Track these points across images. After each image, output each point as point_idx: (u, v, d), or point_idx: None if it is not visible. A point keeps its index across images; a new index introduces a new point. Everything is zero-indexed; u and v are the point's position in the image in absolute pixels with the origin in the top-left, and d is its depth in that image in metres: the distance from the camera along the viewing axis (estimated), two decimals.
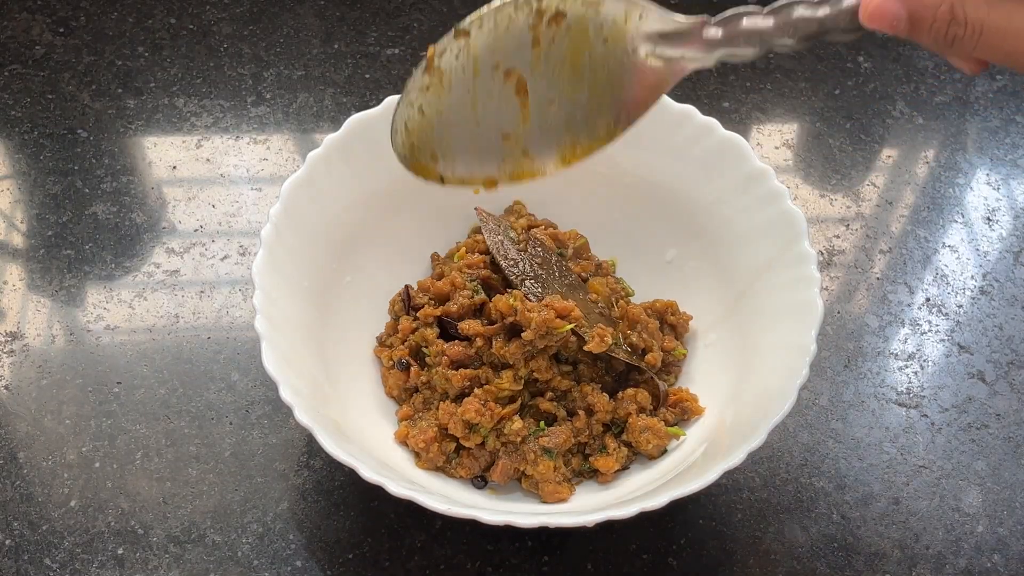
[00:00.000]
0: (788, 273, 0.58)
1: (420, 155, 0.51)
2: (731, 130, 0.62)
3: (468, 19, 0.48)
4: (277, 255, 0.57)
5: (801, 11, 0.43)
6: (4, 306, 0.67)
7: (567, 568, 0.57)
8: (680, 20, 0.46)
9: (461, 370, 0.58)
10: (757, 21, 0.44)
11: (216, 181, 0.74)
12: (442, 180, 0.52)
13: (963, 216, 0.74)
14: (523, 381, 0.58)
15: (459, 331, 0.59)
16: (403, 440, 0.58)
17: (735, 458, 0.50)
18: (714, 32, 0.45)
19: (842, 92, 0.81)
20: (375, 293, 0.64)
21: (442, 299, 0.61)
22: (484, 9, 0.48)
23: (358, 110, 0.62)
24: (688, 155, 0.63)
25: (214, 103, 0.79)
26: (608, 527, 0.57)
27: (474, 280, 0.61)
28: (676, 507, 0.51)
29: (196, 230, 0.72)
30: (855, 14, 0.43)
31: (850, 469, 0.62)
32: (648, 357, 0.60)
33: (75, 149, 0.75)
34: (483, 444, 0.57)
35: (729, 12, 0.45)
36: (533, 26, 0.48)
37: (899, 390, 0.65)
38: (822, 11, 0.43)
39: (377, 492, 0.50)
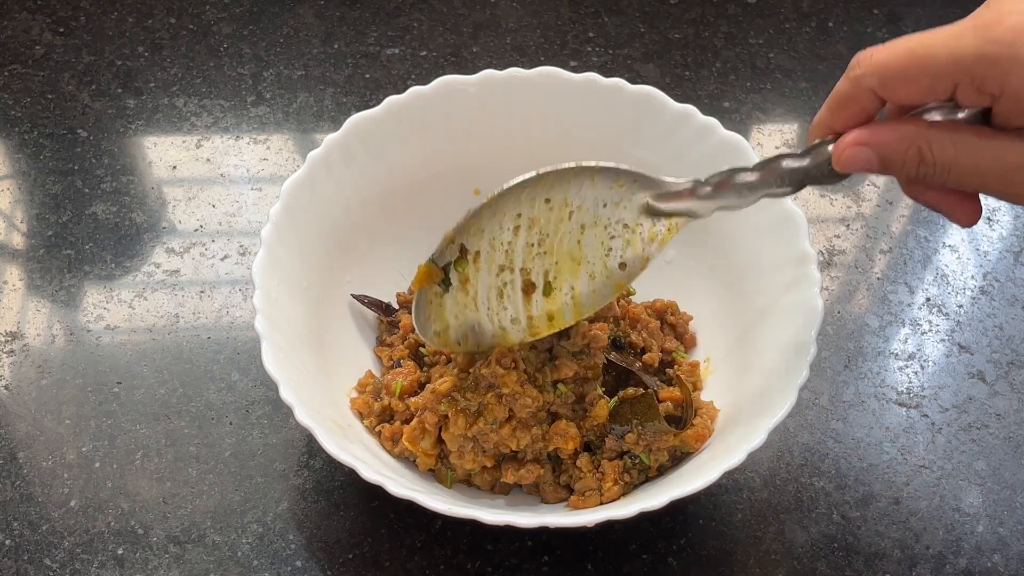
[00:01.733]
0: (788, 273, 0.58)
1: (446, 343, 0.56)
2: (731, 130, 0.62)
3: (468, 234, 0.53)
4: (277, 255, 0.57)
5: (788, 163, 0.47)
6: (4, 306, 0.67)
7: (567, 568, 0.57)
8: (675, 183, 0.51)
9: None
10: (746, 176, 0.49)
11: (216, 181, 0.74)
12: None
13: None
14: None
15: None
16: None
17: (735, 458, 0.50)
18: (706, 190, 0.50)
19: None
20: (375, 293, 0.64)
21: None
22: (483, 220, 0.52)
23: (358, 110, 0.62)
24: (688, 155, 0.63)
25: (214, 103, 0.79)
26: (608, 527, 0.57)
27: None
28: (676, 507, 0.51)
29: (196, 230, 0.72)
30: (830, 160, 0.46)
31: (850, 469, 0.62)
32: (645, 357, 0.60)
33: (75, 149, 0.75)
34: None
35: (720, 172, 0.49)
36: (526, 226, 0.53)
37: (899, 390, 0.65)
38: (805, 161, 0.47)
39: (377, 492, 0.50)
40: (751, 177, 0.49)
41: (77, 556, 0.57)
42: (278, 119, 0.78)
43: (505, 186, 0.51)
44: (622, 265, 0.54)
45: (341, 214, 0.62)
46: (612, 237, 0.53)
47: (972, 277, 0.71)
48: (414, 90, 0.63)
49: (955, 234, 0.73)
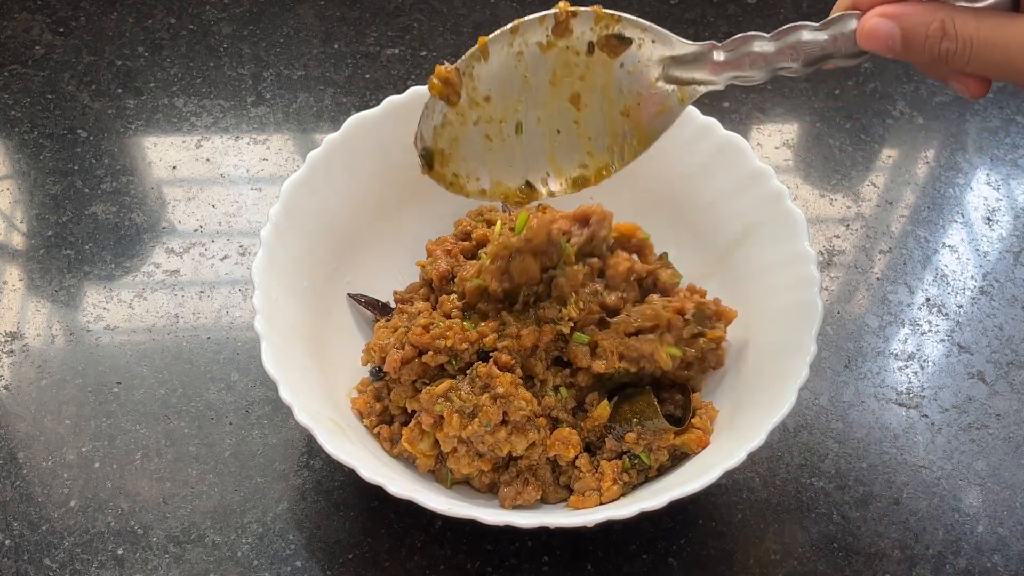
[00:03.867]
0: (788, 273, 0.58)
1: (445, 170, 0.54)
2: (731, 130, 0.62)
3: (494, 38, 0.49)
4: (277, 255, 0.57)
5: (804, 35, 0.46)
6: (4, 306, 0.67)
7: (567, 568, 0.57)
8: (689, 45, 0.49)
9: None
10: (762, 45, 0.47)
11: (216, 181, 0.74)
12: (465, 192, 0.55)
13: (963, 216, 0.74)
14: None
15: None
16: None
17: (735, 458, 0.50)
18: (721, 56, 0.48)
19: (842, 92, 0.81)
20: (375, 293, 0.64)
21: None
22: (506, 28, 0.49)
23: (358, 110, 0.62)
24: (688, 155, 0.63)
25: (214, 103, 0.79)
26: (608, 527, 0.57)
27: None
28: (676, 507, 0.51)
29: (196, 230, 0.72)
30: (853, 37, 0.45)
31: (850, 469, 0.62)
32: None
33: (75, 149, 0.75)
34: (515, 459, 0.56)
35: (736, 37, 0.47)
36: (555, 54, 0.50)
37: (899, 390, 0.65)
38: (824, 35, 0.45)
39: (377, 492, 0.50)
40: (768, 47, 0.47)
41: (77, 556, 0.57)
42: (278, 119, 0.78)
43: (522, 20, 0.49)
44: (634, 126, 0.52)
45: (341, 214, 0.62)
46: (627, 89, 0.51)
47: (972, 277, 0.71)
48: (414, 90, 0.63)
49: (955, 234, 0.73)
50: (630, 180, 0.65)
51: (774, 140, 0.78)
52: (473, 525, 0.50)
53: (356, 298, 0.63)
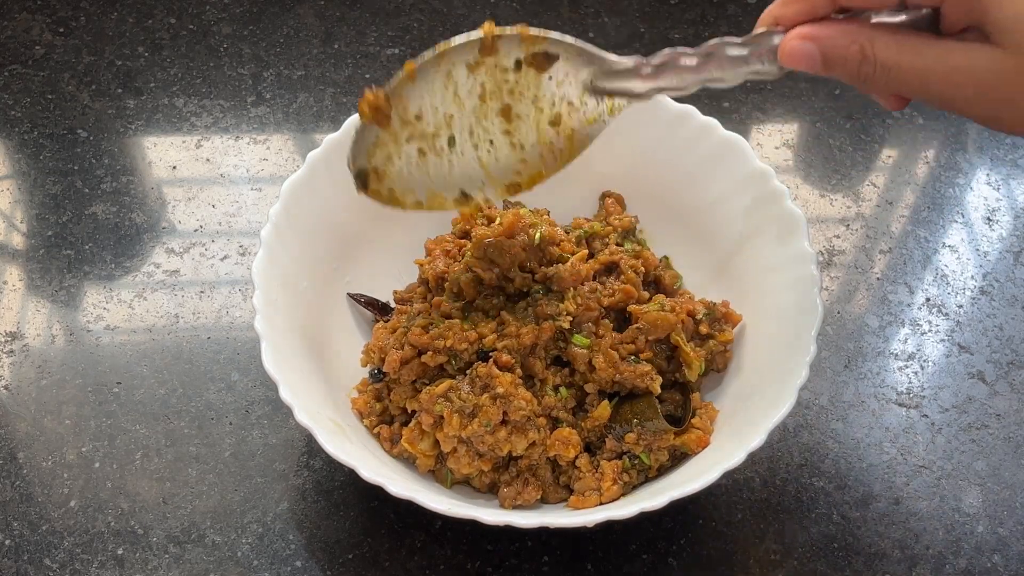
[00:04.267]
0: (788, 273, 0.58)
1: (380, 186, 0.55)
2: (731, 130, 0.62)
3: (421, 61, 0.50)
4: (277, 255, 0.57)
5: (730, 50, 0.47)
6: (4, 306, 0.67)
7: (567, 568, 0.57)
8: (617, 59, 0.50)
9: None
10: (688, 60, 0.48)
11: (216, 181, 0.74)
12: (403, 206, 0.56)
13: (963, 216, 0.74)
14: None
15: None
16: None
17: (735, 458, 0.50)
18: (648, 69, 0.49)
19: (842, 92, 0.81)
20: (375, 293, 0.64)
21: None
22: (433, 53, 0.50)
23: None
24: (688, 155, 0.63)
25: (214, 103, 0.79)
26: (608, 527, 0.57)
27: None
28: (676, 507, 0.51)
29: (196, 230, 0.72)
30: (774, 53, 0.46)
31: (850, 469, 0.62)
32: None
33: (75, 149, 0.75)
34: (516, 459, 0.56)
35: (663, 51, 0.48)
36: (483, 71, 0.51)
37: (899, 390, 0.65)
38: (748, 50, 0.47)
39: (377, 492, 0.50)
40: (691, 61, 0.48)
41: (77, 556, 0.57)
42: (278, 119, 0.78)
43: (448, 44, 0.50)
44: (553, 122, 0.53)
45: (341, 214, 0.62)
46: (553, 108, 0.52)
47: (972, 277, 0.71)
48: None
49: (955, 234, 0.73)
50: (629, 179, 0.65)
51: (774, 140, 0.78)
52: (473, 525, 0.50)
53: (356, 298, 0.63)
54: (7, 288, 0.68)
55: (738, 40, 0.47)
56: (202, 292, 0.68)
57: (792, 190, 0.67)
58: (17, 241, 0.71)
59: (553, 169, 0.54)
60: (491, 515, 0.49)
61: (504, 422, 0.54)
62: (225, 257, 0.70)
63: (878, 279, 0.71)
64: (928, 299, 0.70)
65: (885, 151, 0.78)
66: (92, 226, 0.71)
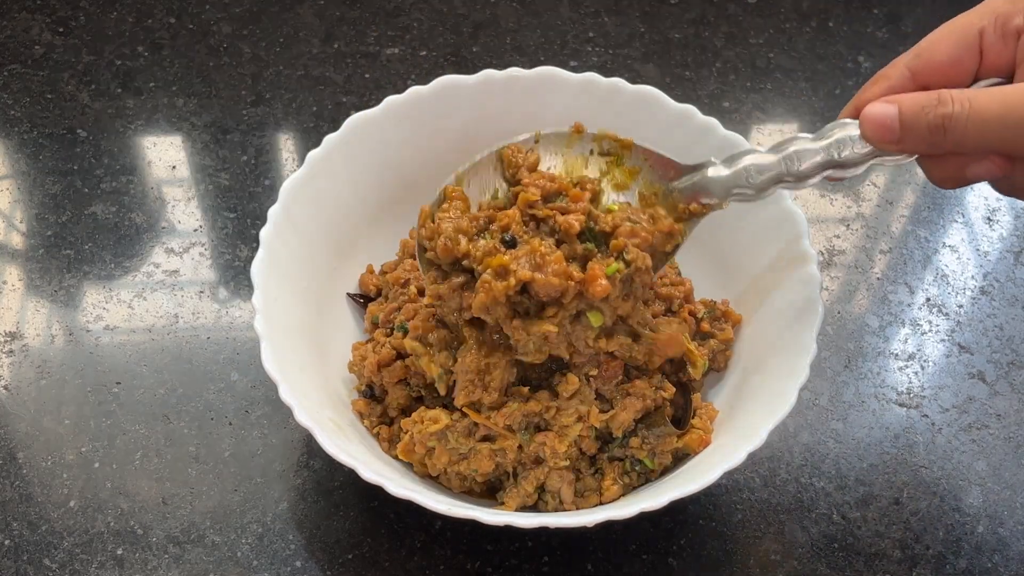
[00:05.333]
0: (788, 273, 0.58)
1: None
2: (731, 130, 0.62)
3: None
4: (277, 255, 0.57)
5: (805, 145, 0.47)
6: (4, 306, 0.67)
7: (567, 568, 0.57)
8: (687, 167, 0.50)
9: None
10: (761, 159, 0.49)
11: (216, 181, 0.74)
12: None
13: (963, 216, 0.74)
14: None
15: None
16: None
17: (735, 458, 0.50)
18: (723, 171, 0.50)
19: (842, 92, 0.81)
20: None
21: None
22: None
23: (358, 110, 0.62)
24: (688, 155, 0.63)
25: (214, 103, 0.79)
26: (608, 527, 0.57)
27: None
28: (676, 507, 0.51)
29: (196, 230, 0.72)
30: (853, 143, 0.46)
31: (850, 469, 0.62)
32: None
33: (75, 149, 0.75)
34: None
35: (734, 154, 0.49)
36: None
37: (899, 390, 0.65)
38: (822, 143, 0.47)
39: (377, 492, 0.50)
40: (766, 159, 0.48)
41: (76, 556, 0.57)
42: (278, 119, 0.78)
43: (499, 146, 0.50)
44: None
45: (341, 214, 0.62)
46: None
47: (972, 277, 0.71)
48: (414, 90, 0.63)
49: (955, 234, 0.73)
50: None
51: (774, 140, 0.78)
52: (473, 525, 0.50)
53: (356, 298, 0.63)
54: (7, 288, 0.68)
55: (810, 136, 0.47)
56: (202, 292, 0.68)
57: None
58: (17, 241, 0.71)
59: None
60: (491, 515, 0.49)
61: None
62: (225, 257, 0.70)
63: (878, 279, 0.71)
64: (928, 299, 0.70)
65: None
66: (92, 226, 0.71)
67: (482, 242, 0.51)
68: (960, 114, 0.43)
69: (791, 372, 0.54)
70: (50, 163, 0.75)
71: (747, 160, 0.48)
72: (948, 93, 0.43)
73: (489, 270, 0.50)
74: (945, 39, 0.45)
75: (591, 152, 0.53)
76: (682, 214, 0.51)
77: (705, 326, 0.60)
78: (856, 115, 0.46)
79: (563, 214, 0.52)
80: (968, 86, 0.46)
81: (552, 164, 0.53)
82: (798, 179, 0.48)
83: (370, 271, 0.64)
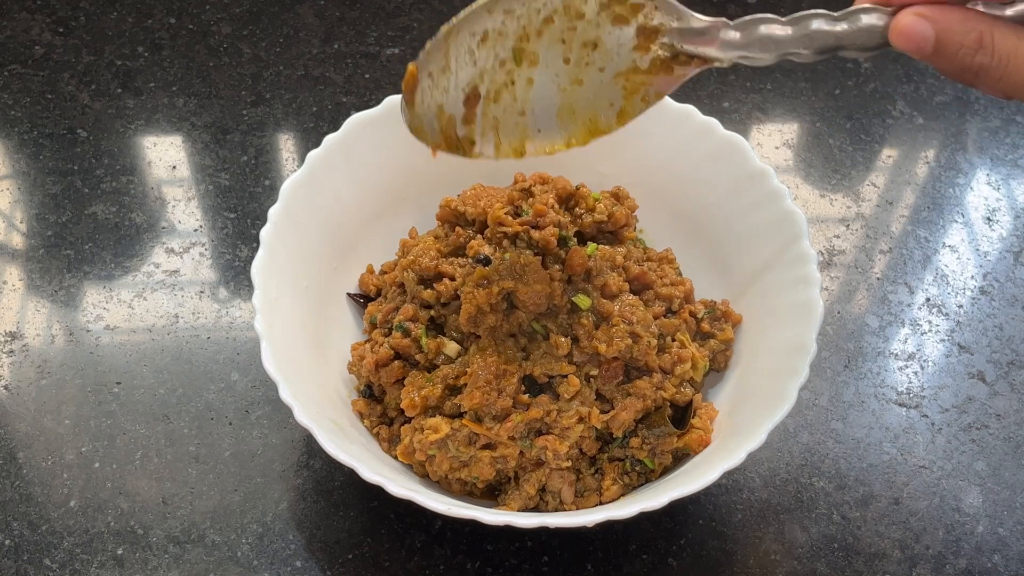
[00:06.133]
0: (788, 273, 0.58)
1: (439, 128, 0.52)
2: (731, 130, 0.62)
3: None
4: (277, 255, 0.57)
5: (820, 24, 0.44)
6: (4, 306, 0.67)
7: (567, 568, 0.57)
8: (699, 19, 0.47)
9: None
10: (775, 29, 0.45)
11: (216, 181, 0.74)
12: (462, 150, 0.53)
13: (963, 216, 0.74)
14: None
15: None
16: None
17: (735, 458, 0.50)
18: (732, 35, 0.46)
19: (842, 92, 0.81)
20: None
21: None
22: None
23: (358, 110, 0.62)
24: (688, 155, 0.63)
25: (214, 103, 0.79)
26: (608, 527, 0.57)
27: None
28: (676, 507, 0.51)
29: (196, 230, 0.72)
30: (873, 33, 0.43)
31: (850, 469, 0.62)
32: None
33: (75, 149, 0.75)
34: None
35: (748, 17, 0.46)
36: (547, 18, 0.49)
37: (899, 390, 0.65)
38: (840, 26, 0.44)
39: (377, 492, 0.50)
40: (780, 31, 0.45)
41: (77, 556, 0.57)
42: (278, 119, 0.78)
43: None
44: (629, 91, 0.50)
45: (341, 214, 0.62)
46: (624, 53, 0.49)
47: (972, 277, 0.71)
48: None
49: (955, 234, 0.73)
50: (629, 179, 0.65)
51: (774, 140, 0.78)
52: (473, 525, 0.50)
53: (356, 298, 0.63)
54: (7, 288, 0.68)
55: (833, 15, 0.44)
56: (202, 292, 0.68)
57: (792, 190, 0.67)
58: (17, 241, 0.71)
59: (609, 126, 0.51)
60: (491, 515, 0.49)
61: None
62: (225, 257, 0.70)
63: (878, 279, 0.71)
64: (928, 299, 0.70)
65: (885, 151, 0.78)
66: (92, 226, 0.71)
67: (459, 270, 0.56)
68: (997, 68, 0.41)
69: (791, 372, 0.54)
70: (50, 163, 0.75)
71: (762, 30, 0.45)
72: (991, 39, 0.41)
73: (470, 281, 0.54)
74: None
75: None
76: (680, 59, 0.48)
77: (705, 326, 0.60)
78: (879, 2, 0.43)
79: (536, 228, 0.55)
80: None
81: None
82: (810, 55, 0.45)
83: (370, 271, 0.64)
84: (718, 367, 0.60)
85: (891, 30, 0.43)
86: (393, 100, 0.62)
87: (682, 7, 0.47)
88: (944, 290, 0.70)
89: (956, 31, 0.42)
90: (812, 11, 0.45)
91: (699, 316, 0.60)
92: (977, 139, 0.79)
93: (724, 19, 0.47)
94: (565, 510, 0.55)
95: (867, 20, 0.44)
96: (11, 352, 0.65)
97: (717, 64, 0.47)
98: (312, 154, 0.60)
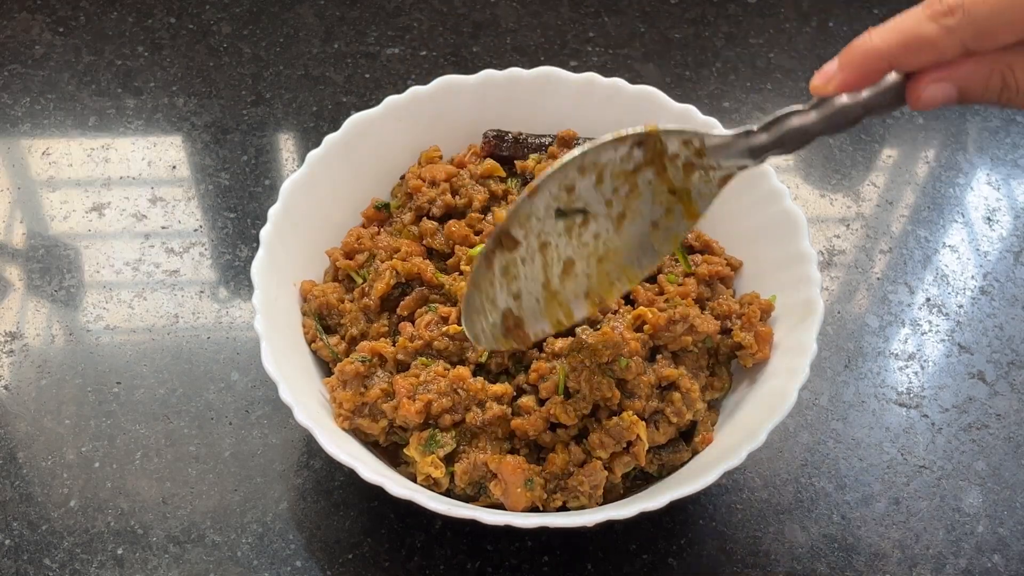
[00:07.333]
0: (788, 273, 0.58)
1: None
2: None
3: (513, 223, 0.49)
4: (277, 255, 0.57)
5: (843, 99, 0.44)
6: (4, 306, 0.67)
7: (567, 568, 0.57)
8: (724, 135, 0.47)
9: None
10: (801, 120, 0.45)
11: (216, 181, 0.74)
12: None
13: (963, 216, 0.74)
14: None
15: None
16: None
17: (735, 458, 0.50)
18: (761, 138, 0.46)
19: None
20: None
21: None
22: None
23: (358, 110, 0.62)
24: None
25: (214, 103, 0.79)
26: (608, 527, 0.57)
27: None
28: (676, 507, 0.51)
29: (196, 230, 0.72)
30: (896, 91, 0.43)
31: (850, 469, 0.62)
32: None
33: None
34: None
35: (773, 116, 0.45)
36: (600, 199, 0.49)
37: (899, 390, 0.65)
38: (864, 95, 0.44)
39: (377, 492, 0.50)
40: (806, 120, 0.45)
41: (77, 556, 0.57)
42: (278, 119, 0.78)
43: (549, 171, 0.48)
44: (677, 224, 0.50)
45: (341, 214, 0.62)
46: (656, 207, 0.50)
47: (972, 277, 0.71)
48: (414, 90, 0.63)
49: (955, 234, 0.73)
50: None
51: None
52: (473, 525, 0.50)
53: None
54: (7, 288, 0.68)
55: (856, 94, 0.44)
56: (202, 292, 0.68)
57: (792, 190, 0.67)
58: (17, 241, 0.71)
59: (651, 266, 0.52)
60: (491, 515, 0.49)
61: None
62: (225, 257, 0.70)
63: (878, 279, 0.71)
64: (928, 299, 0.70)
65: (885, 151, 0.78)
66: (92, 226, 0.71)
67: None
68: (1021, 99, 0.42)
69: (791, 372, 0.54)
70: (51, 163, 0.75)
71: (791, 123, 0.45)
72: (1013, 78, 0.41)
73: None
74: (1013, 26, 0.40)
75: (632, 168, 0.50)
76: (720, 183, 0.49)
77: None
78: (888, 69, 0.43)
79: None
80: None
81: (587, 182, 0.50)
82: (835, 132, 0.45)
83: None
84: (752, 352, 0.59)
85: (912, 99, 0.43)
86: (393, 100, 0.62)
87: (703, 132, 0.47)
88: (944, 290, 0.70)
89: (977, 80, 0.42)
90: (832, 97, 0.44)
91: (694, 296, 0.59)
92: (977, 139, 0.79)
93: (749, 125, 0.46)
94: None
95: (885, 82, 0.43)
96: (11, 352, 0.65)
97: (751, 167, 0.48)
98: (312, 154, 0.60)
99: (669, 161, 0.48)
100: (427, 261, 0.58)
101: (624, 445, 0.53)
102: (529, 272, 0.50)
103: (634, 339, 0.54)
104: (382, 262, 0.58)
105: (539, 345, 0.56)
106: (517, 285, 0.51)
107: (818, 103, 0.44)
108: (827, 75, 0.44)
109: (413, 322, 0.56)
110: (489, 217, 0.61)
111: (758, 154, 0.47)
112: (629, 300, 0.58)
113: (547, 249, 0.50)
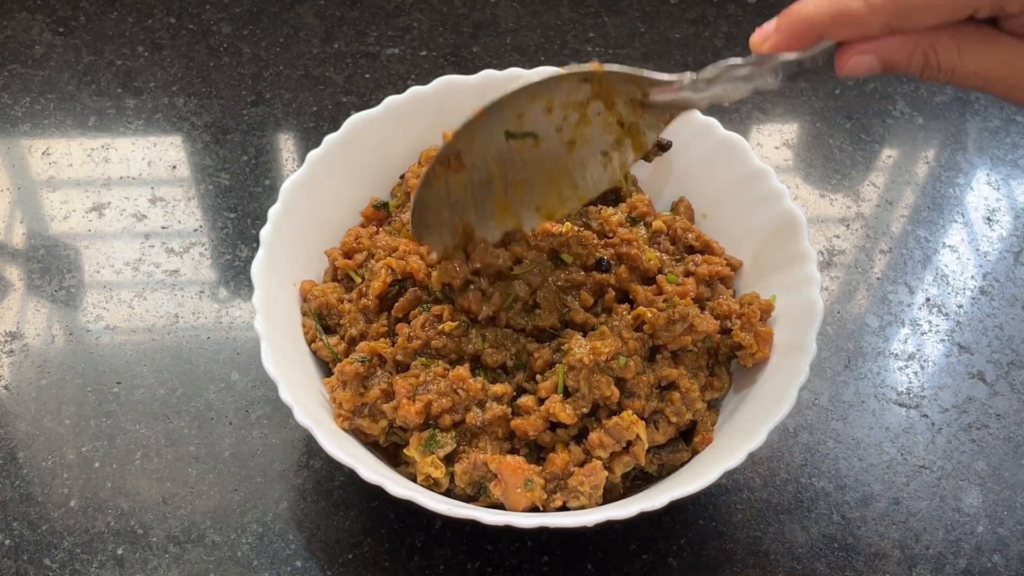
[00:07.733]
0: (788, 273, 0.58)
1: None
2: (731, 130, 0.62)
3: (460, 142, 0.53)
4: (277, 255, 0.57)
5: (784, 56, 0.47)
6: (4, 306, 0.67)
7: (567, 568, 0.57)
8: (667, 77, 0.51)
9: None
10: (740, 70, 0.48)
11: (216, 181, 0.74)
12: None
13: (963, 216, 0.74)
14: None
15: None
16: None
17: (735, 458, 0.50)
18: (701, 83, 0.50)
19: (842, 92, 0.81)
20: None
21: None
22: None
23: (358, 110, 0.62)
24: (688, 155, 0.63)
25: (214, 103, 0.79)
26: (608, 527, 0.57)
27: None
28: (676, 507, 0.51)
29: (196, 230, 0.72)
30: (829, 56, 0.46)
31: (850, 469, 0.62)
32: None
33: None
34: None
35: (711, 65, 0.49)
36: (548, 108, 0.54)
37: (899, 390, 0.65)
38: (796, 56, 0.46)
39: (377, 492, 0.50)
40: (745, 70, 0.48)
41: (77, 556, 0.57)
42: (278, 119, 0.78)
43: (497, 97, 0.52)
44: (605, 153, 0.55)
45: (341, 214, 0.62)
46: (606, 137, 0.54)
47: (972, 277, 0.71)
48: (414, 90, 0.63)
49: (955, 234, 0.73)
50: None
51: (774, 140, 0.78)
52: (473, 525, 0.50)
53: None
54: (7, 288, 0.68)
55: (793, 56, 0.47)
56: (202, 292, 0.68)
57: (792, 190, 0.67)
58: (17, 241, 0.71)
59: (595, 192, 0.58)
60: (491, 515, 0.49)
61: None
62: (225, 257, 0.70)
63: (878, 279, 0.71)
64: (928, 299, 0.70)
65: (885, 151, 0.78)
66: (92, 226, 0.71)
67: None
68: (944, 76, 0.44)
69: (791, 372, 0.54)
70: (51, 163, 0.75)
71: (730, 72, 0.48)
72: (935, 56, 0.43)
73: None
74: (933, 10, 0.43)
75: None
76: (667, 121, 0.53)
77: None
78: (818, 36, 0.45)
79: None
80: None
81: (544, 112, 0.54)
82: (776, 83, 0.48)
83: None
84: (752, 353, 0.59)
85: (838, 68, 0.45)
86: (393, 100, 0.62)
87: (650, 75, 0.51)
88: (944, 290, 0.70)
89: (900, 55, 0.44)
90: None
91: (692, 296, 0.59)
92: (977, 139, 0.79)
93: (691, 73, 0.50)
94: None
95: (824, 44, 0.46)
96: (11, 352, 0.65)
97: (694, 107, 0.51)
98: (312, 154, 0.60)
99: (617, 97, 0.53)
100: (421, 260, 0.58)
101: (624, 445, 0.53)
102: (478, 187, 0.54)
103: (633, 339, 0.54)
104: (379, 261, 0.58)
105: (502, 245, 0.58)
106: (465, 198, 0.54)
107: (756, 59, 0.48)
108: (764, 34, 0.47)
109: (409, 323, 0.56)
110: None
111: (700, 90, 0.50)
112: (629, 300, 0.58)
113: (496, 165, 0.54)
